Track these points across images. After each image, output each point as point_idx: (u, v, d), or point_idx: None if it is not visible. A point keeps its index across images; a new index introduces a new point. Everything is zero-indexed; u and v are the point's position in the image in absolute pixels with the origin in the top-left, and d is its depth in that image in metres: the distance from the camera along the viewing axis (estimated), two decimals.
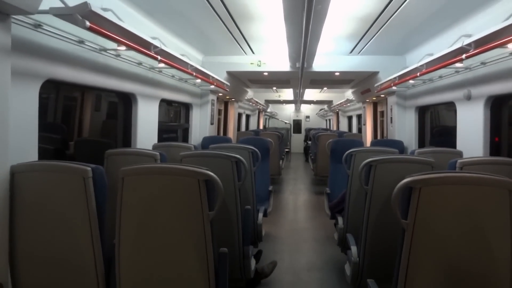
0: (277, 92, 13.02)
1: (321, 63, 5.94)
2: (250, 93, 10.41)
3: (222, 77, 5.84)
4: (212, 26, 4.31)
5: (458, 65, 3.27)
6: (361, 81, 7.41)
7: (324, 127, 17.31)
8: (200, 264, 1.74)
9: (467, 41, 2.73)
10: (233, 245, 2.57)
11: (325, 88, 11.34)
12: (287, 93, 13.02)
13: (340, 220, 3.32)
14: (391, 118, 6.00)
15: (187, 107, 5.88)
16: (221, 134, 8.13)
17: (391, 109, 5.97)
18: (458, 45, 2.86)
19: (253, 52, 5.95)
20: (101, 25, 2.23)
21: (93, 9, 1.98)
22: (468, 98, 3.52)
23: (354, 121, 11.55)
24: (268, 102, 15.06)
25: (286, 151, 11.76)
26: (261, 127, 16.24)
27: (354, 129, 11.45)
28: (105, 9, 2.33)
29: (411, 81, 4.42)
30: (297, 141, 17.58)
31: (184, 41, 4.99)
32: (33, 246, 1.87)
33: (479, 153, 3.31)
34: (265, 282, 3.24)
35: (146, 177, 1.77)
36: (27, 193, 1.86)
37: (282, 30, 3.87)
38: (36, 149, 2.23)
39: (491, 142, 3.30)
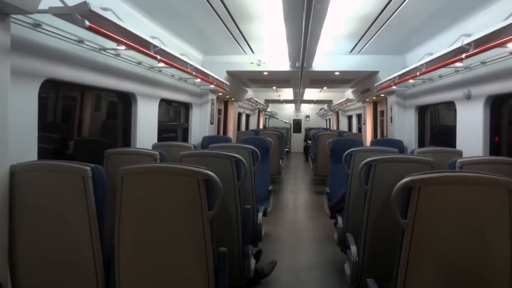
0: (277, 91, 13.02)
1: (321, 62, 5.95)
2: (250, 93, 10.40)
3: (222, 76, 5.83)
4: (211, 26, 4.30)
5: (458, 64, 3.26)
6: (361, 81, 7.41)
7: (324, 126, 17.30)
8: (200, 264, 1.74)
9: (467, 40, 2.73)
10: (232, 244, 2.57)
11: (325, 88, 11.34)
12: (287, 93, 13.02)
13: (339, 219, 3.32)
14: (391, 117, 6.00)
15: (186, 106, 5.87)
16: (221, 133, 8.12)
17: (391, 109, 5.97)
18: (458, 45, 2.86)
19: (253, 52, 5.95)
20: (100, 24, 2.22)
21: (93, 8, 1.98)
22: (468, 97, 3.52)
23: (354, 120, 11.55)
24: (268, 101, 15.07)
25: (286, 150, 11.77)
26: (261, 126, 16.25)
27: (354, 129, 11.45)
28: (104, 9, 2.33)
29: (411, 81, 4.42)
30: (297, 141, 17.58)
31: (183, 40, 4.99)
32: (33, 246, 1.87)
33: (479, 152, 3.31)
34: (264, 282, 3.24)
35: (145, 176, 1.77)
36: (27, 193, 1.86)
37: (282, 30, 3.87)
38: (35, 149, 2.23)
39: (490, 142, 3.30)
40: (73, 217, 1.82)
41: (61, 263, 1.86)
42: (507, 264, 1.53)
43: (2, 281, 1.78)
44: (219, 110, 7.82)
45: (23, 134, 2.12)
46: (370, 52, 5.66)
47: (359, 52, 5.73)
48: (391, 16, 3.76)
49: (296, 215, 5.92)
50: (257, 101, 11.71)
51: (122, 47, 2.89)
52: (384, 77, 5.41)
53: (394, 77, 4.68)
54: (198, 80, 4.79)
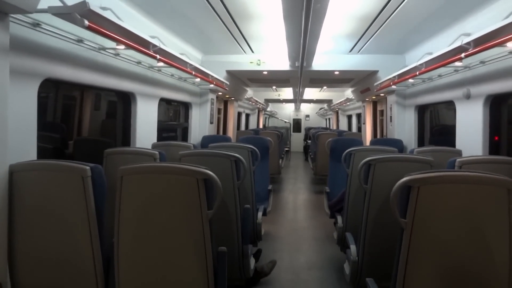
0: (276, 91, 13.02)
1: (320, 62, 5.94)
2: (249, 92, 10.40)
3: (221, 76, 5.83)
4: (211, 25, 4.30)
5: (457, 64, 3.27)
6: (360, 80, 7.41)
7: (324, 126, 17.30)
8: (199, 263, 1.74)
9: (466, 40, 2.73)
10: (232, 244, 2.57)
11: (324, 87, 11.34)
12: (287, 92, 13.01)
13: (339, 219, 3.32)
14: (391, 117, 6.00)
15: (186, 106, 5.87)
16: (221, 133, 8.12)
17: (391, 108, 5.97)
18: (457, 44, 2.85)
19: (252, 51, 5.94)
20: (100, 24, 2.22)
21: (92, 8, 1.98)
22: (468, 97, 3.52)
23: (354, 120, 11.55)
24: (267, 101, 15.07)
25: (286, 150, 11.78)
26: (260, 126, 16.25)
27: (354, 128, 11.45)
28: (104, 8, 2.32)
29: (410, 80, 4.42)
30: (297, 140, 17.59)
31: (183, 40, 4.98)
32: (32, 246, 1.87)
33: (478, 152, 3.31)
34: (264, 281, 3.24)
35: (145, 176, 1.77)
36: (26, 193, 1.85)
37: (281, 29, 3.86)
38: (35, 148, 2.23)
39: (490, 141, 3.30)
40: (73, 217, 1.81)
41: (61, 263, 1.86)
42: (506, 263, 1.53)
43: (1, 280, 1.78)
44: (219, 110, 7.81)
45: (23, 133, 2.12)
46: (370, 51, 5.66)
47: (358, 52, 5.73)
48: (390, 15, 3.76)
49: (295, 214, 5.92)
50: (256, 101, 11.70)
51: (122, 47, 2.88)
52: (383, 76, 5.41)
53: (394, 77, 4.68)
54: (198, 79, 4.78)
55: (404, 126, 5.64)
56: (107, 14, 2.18)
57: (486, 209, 1.54)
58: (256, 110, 14.43)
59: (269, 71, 6.43)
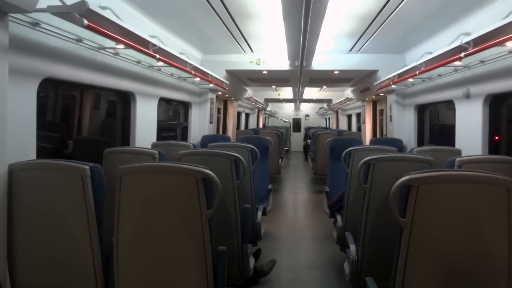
0: (276, 90, 13.01)
1: (320, 61, 5.94)
2: (249, 92, 10.40)
3: (221, 75, 5.83)
4: (211, 25, 4.30)
5: (457, 63, 3.26)
6: (360, 80, 7.41)
7: (324, 125, 17.32)
8: (199, 263, 1.74)
9: (466, 39, 2.73)
10: (232, 243, 2.57)
11: (324, 87, 11.33)
12: (287, 92, 13.01)
13: (339, 218, 3.32)
14: (390, 116, 6.00)
15: (186, 105, 5.87)
16: (220, 132, 8.12)
17: (390, 108, 5.97)
18: (457, 44, 2.85)
19: (252, 51, 5.94)
20: (99, 23, 2.22)
21: (91, 7, 1.97)
22: (467, 96, 3.52)
23: (354, 119, 11.55)
24: (267, 100, 15.06)
25: (286, 149, 11.78)
26: (260, 125, 16.24)
27: (354, 128, 11.45)
28: (103, 8, 2.32)
29: (410, 80, 4.42)
30: (297, 140, 17.59)
31: (183, 39, 4.98)
32: (32, 245, 1.87)
33: (478, 151, 3.31)
34: (264, 281, 3.24)
35: (144, 175, 1.77)
36: (25, 192, 1.85)
37: (281, 29, 3.86)
38: (34, 148, 2.22)
39: (489, 141, 3.31)
40: (72, 216, 1.81)
41: (60, 262, 1.86)
42: (505, 262, 1.53)
43: (1, 280, 1.79)
44: (219, 109, 7.81)
45: (22, 133, 2.12)
46: (370, 51, 5.66)
47: (358, 51, 5.73)
48: (390, 15, 3.76)
49: (295, 214, 5.92)
50: (256, 100, 11.70)
51: (121, 46, 2.88)
52: (383, 76, 5.40)
53: (394, 76, 4.68)
54: (198, 79, 4.78)
55: (403, 125, 5.64)
56: (106, 14, 2.18)
57: (486, 209, 1.54)
58: (256, 110, 14.42)
59: (268, 71, 6.43)
